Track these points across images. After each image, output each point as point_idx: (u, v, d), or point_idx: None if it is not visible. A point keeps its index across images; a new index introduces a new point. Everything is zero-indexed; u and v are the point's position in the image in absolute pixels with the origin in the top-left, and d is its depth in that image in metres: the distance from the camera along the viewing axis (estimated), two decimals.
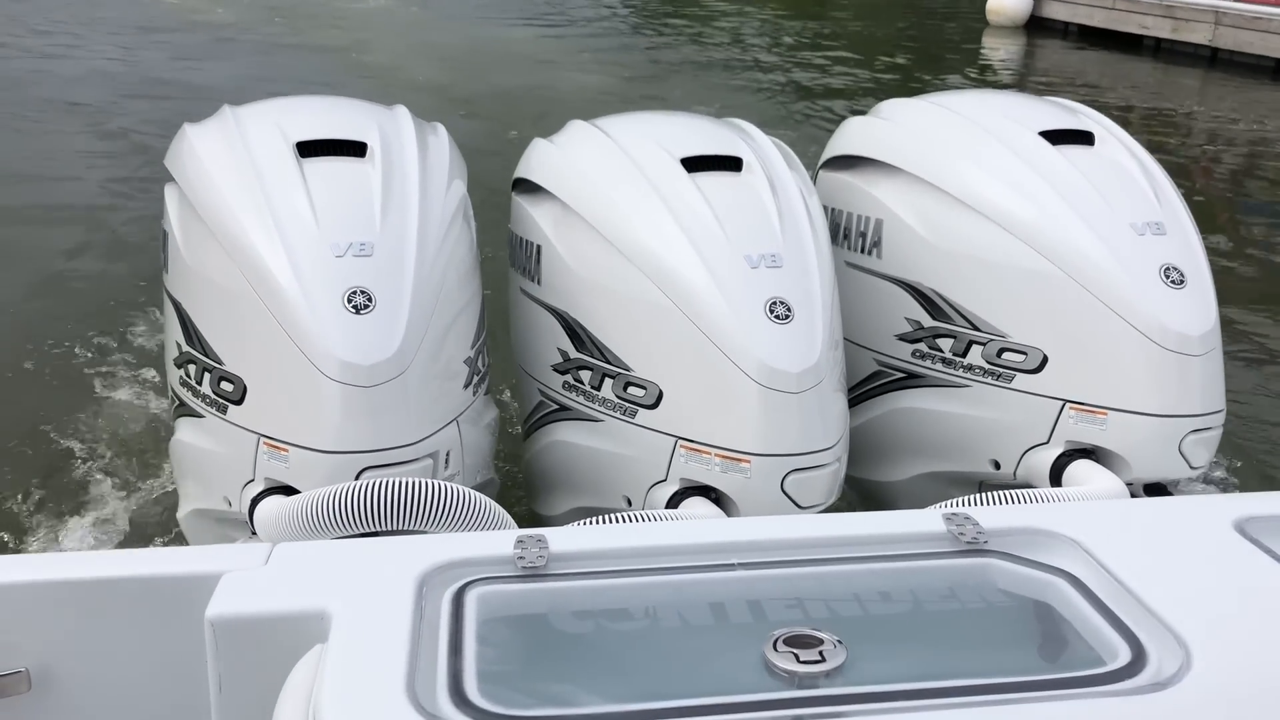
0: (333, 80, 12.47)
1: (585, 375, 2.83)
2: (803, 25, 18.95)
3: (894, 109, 3.33)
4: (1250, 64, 15.64)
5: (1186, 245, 2.73)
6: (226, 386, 2.60)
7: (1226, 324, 2.73)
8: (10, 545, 3.95)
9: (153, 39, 14.29)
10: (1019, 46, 18.35)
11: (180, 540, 3.04)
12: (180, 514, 3.04)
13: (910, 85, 14.31)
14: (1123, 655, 1.40)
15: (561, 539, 1.67)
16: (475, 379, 2.78)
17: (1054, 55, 17.75)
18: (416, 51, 14.39)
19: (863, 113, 3.44)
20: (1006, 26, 19.19)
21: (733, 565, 1.62)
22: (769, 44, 17.07)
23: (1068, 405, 2.76)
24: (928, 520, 1.74)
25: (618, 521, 2.32)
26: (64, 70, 12.23)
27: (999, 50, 18.05)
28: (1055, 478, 2.78)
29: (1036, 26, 19.13)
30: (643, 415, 2.68)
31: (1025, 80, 16.07)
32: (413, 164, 2.71)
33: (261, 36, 14.91)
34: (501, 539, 1.67)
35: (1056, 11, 19.02)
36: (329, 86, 12.09)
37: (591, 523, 2.25)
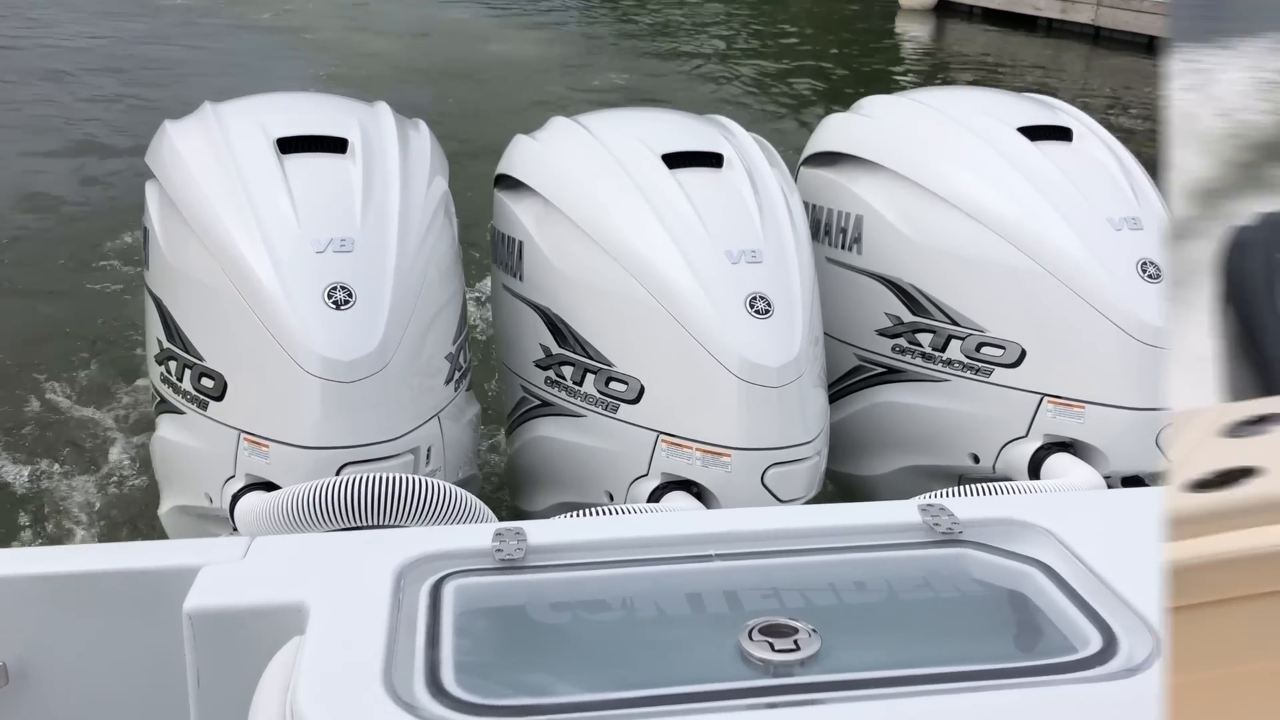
0: (291, 55, 13.19)
1: (567, 371, 2.83)
2: (720, 9, 19.73)
3: (874, 105, 3.34)
4: (1128, 40, 17.32)
5: (1163, 240, 2.75)
6: (207, 383, 2.60)
7: None
8: None
9: (116, 24, 14.50)
10: (929, 28, 19.47)
11: (161, 537, 3.04)
12: (161, 511, 3.04)
13: (824, 66, 15.14)
14: (1094, 642, 1.41)
15: (539, 531, 1.68)
16: (457, 375, 2.78)
17: (961, 36, 19.01)
18: (360, 30, 15.47)
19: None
20: (917, 10, 20.16)
21: (709, 556, 1.63)
22: (690, 24, 18.00)
23: (1046, 399, 2.78)
24: (903, 511, 1.75)
25: (597, 515, 2.32)
26: (28, 52, 12.35)
27: (911, 32, 19.09)
28: (1034, 471, 2.79)
29: (945, 9, 20.28)
30: (624, 410, 2.69)
31: (937, 60, 17.32)
32: (394, 160, 2.71)
33: (220, 20, 15.48)
34: (480, 532, 1.68)
35: None
36: (291, 61, 12.74)
37: (571, 517, 2.26)
